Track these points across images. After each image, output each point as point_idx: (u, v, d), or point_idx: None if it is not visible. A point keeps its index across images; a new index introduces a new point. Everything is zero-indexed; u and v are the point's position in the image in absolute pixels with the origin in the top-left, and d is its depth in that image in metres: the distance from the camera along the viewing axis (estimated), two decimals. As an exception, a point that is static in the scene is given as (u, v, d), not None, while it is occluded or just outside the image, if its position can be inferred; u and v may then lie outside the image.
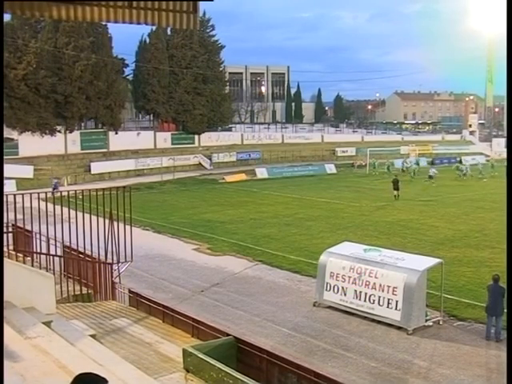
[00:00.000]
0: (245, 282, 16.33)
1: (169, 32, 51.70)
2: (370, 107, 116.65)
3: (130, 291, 11.72)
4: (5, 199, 9.87)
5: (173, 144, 51.77)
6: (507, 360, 5.35)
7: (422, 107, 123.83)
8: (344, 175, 47.99)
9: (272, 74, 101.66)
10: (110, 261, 12.19)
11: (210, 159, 52.25)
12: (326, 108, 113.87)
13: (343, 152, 62.45)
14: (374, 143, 62.85)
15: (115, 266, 12.27)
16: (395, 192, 32.52)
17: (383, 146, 60.74)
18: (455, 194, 34.51)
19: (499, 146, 67.75)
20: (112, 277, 12.15)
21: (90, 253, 12.53)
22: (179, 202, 32.45)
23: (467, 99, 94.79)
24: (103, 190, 12.19)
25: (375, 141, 66.76)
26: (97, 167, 43.65)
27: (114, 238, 11.80)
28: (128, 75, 51.53)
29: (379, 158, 51.05)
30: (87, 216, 11.95)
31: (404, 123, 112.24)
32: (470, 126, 78.65)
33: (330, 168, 51.12)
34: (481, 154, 64.87)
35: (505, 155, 52.39)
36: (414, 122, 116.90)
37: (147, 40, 50.52)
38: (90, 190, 13.20)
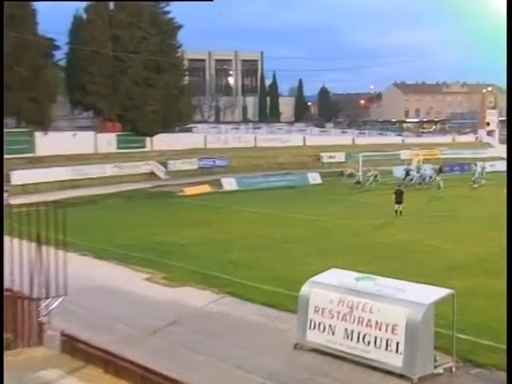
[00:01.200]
0: (209, 320, 16.29)
1: (111, 6, 51.51)
2: (362, 102, 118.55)
3: (62, 334, 11.53)
4: None
5: (119, 148, 51.55)
6: (507, 360, 6.29)
7: (428, 102, 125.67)
8: (331, 186, 48.79)
9: (242, 61, 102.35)
10: (36, 295, 11.99)
11: (166, 167, 52.21)
12: (309, 103, 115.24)
13: (330, 158, 63.40)
14: (367, 147, 64.00)
15: (43, 302, 12.07)
16: (397, 206, 33.15)
17: (379, 149, 61.81)
18: (469, 209, 35.57)
19: (526, 148, 69.80)
20: (39, 316, 11.95)
21: (9, 286, 12.31)
22: (127, 220, 32.28)
23: (484, 91, 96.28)
24: (28, 206, 12.03)
25: (369, 144, 68.05)
26: (19, 177, 42.98)
27: (43, 266, 11.62)
28: (60, 60, 51.27)
29: (374, 165, 51.90)
30: (7, 239, 11.77)
31: (405, 122, 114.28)
32: (488, 124, 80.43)
33: (314, 177, 51.91)
34: (502, 158, 66.50)
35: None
36: (417, 120, 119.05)
37: (83, 15, 50.17)
38: (10, 205, 13.03)
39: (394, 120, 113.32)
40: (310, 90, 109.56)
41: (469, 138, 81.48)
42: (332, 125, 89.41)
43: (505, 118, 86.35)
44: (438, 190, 42.27)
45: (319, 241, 25.92)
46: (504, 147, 74.16)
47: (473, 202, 38.94)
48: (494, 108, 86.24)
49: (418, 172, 50.80)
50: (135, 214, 34.63)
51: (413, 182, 48.08)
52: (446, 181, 47.72)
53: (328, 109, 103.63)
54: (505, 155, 69.12)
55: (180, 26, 54.95)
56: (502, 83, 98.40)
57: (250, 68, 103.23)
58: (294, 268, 20.74)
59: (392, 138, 77.41)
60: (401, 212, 32.98)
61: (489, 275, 20.03)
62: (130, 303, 17.82)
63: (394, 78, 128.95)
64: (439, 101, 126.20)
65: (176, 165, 53.07)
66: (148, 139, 53.85)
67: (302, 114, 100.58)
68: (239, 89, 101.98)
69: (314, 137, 71.01)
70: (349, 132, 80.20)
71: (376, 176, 48.63)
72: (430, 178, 48.17)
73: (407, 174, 50.24)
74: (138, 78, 51.04)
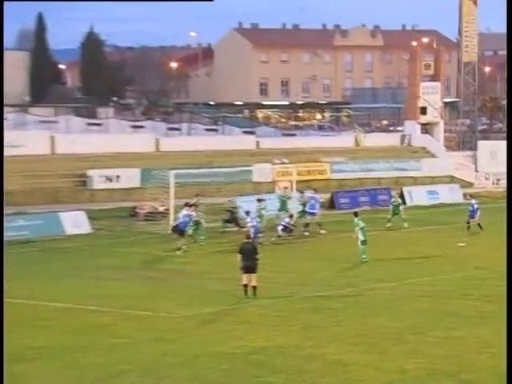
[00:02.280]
0: None
1: None
2: (175, 65, 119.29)
3: None
4: None
5: None
6: (507, 360, 13.92)
7: (307, 66, 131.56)
8: (113, 239, 49.54)
9: None
10: None
11: None
12: (62, 65, 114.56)
13: (108, 180, 63.77)
14: (187, 156, 66.02)
15: None
16: (246, 278, 33.47)
17: (212, 161, 62.87)
18: (397, 278, 37.34)
19: (494, 159, 73.43)
20: None
21: None
22: None
23: (415, 44, 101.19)
24: None
25: (190, 150, 68.97)
26: None
27: None
28: None
29: (203, 194, 52.61)
30: None
31: (261, 106, 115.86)
32: (424, 110, 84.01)
33: (76, 222, 52.30)
34: (450, 178, 69.84)
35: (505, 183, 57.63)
36: (285, 102, 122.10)
37: None
38: None
39: (238, 103, 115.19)
40: (64, 38, 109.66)
41: (387, 137, 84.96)
42: (112, 111, 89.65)
43: (456, 99, 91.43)
44: (361, 247, 42.91)
45: (87, 354, 25.79)
46: (456, 156, 78.34)
47: (403, 269, 40.67)
48: (435, 78, 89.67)
49: (282, 208, 52.10)
50: None
51: (256, 232, 47.71)
52: (341, 223, 49.71)
53: (102, 78, 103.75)
54: (456, 173, 72.97)
55: None
56: (449, 29, 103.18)
57: None
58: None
59: (236, 139, 79.57)
60: (254, 289, 33.46)
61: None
62: None
63: (232, 17, 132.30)
64: (328, 64, 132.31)
65: None
66: None
67: (45, 88, 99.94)
68: None
69: (74, 136, 70.74)
70: (147, 126, 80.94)
71: (197, 223, 48.68)
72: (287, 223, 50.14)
73: (246, 213, 50.43)
74: None
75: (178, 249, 44.84)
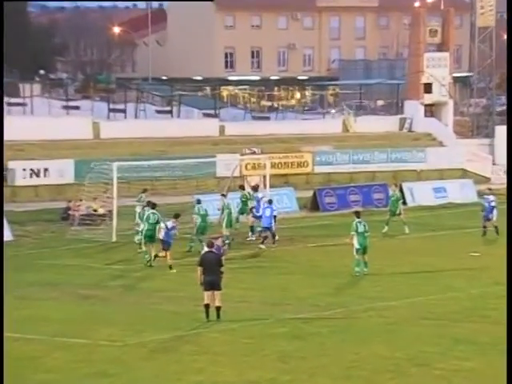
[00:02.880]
0: None
1: None
2: (117, 31, 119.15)
3: None
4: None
5: None
6: (507, 359, 20.58)
7: (281, 32, 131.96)
8: (40, 249, 49.30)
9: None
10: None
11: None
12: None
13: (33, 173, 63.10)
14: (132, 144, 66.36)
15: None
16: (208, 296, 33.25)
17: (165, 151, 62.88)
18: (396, 296, 36.81)
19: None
20: None
21: None
22: None
23: (418, 5, 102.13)
24: None
25: (137, 138, 68.93)
26: None
27: None
28: None
29: (155, 192, 52.40)
30: None
31: (227, 81, 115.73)
32: (429, 88, 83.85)
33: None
34: (462, 173, 70.01)
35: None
36: (256, 77, 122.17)
37: None
38: None
39: (197, 78, 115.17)
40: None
41: (383, 121, 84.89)
42: (38, 88, 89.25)
43: (469, 74, 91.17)
44: (356, 258, 42.78)
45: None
46: (470, 145, 78.37)
47: (404, 285, 40.63)
48: (442, 48, 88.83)
49: (243, 210, 52.01)
50: None
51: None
52: (327, 227, 49.55)
53: (26, 47, 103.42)
54: (470, 166, 72.86)
55: None
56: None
57: None
58: None
59: (196, 123, 79.89)
60: (218, 310, 33.21)
61: None
62: None
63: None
64: (310, 30, 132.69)
65: None
66: None
67: None
68: None
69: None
70: (83, 107, 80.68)
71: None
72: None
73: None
74: None
75: (154, 258, 44.29)
